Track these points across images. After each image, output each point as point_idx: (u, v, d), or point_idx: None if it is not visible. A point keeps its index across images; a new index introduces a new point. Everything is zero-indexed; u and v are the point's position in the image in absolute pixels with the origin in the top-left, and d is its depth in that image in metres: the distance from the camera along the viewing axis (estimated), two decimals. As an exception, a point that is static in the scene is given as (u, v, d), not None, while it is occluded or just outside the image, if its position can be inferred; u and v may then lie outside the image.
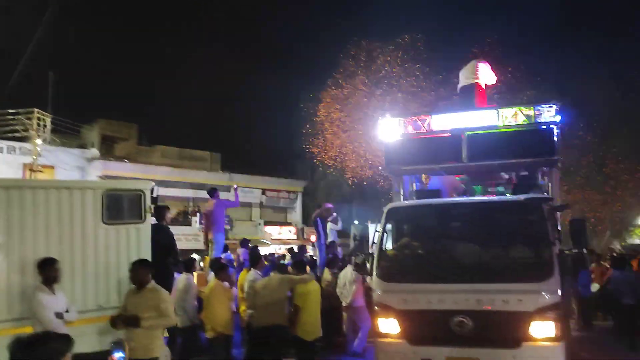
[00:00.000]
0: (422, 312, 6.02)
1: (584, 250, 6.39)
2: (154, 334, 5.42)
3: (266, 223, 32.11)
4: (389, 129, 7.81)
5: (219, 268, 7.75)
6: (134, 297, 5.52)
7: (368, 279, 8.31)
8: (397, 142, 7.77)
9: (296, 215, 34.48)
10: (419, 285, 6.22)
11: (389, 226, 6.77)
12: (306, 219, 31.36)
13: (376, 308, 6.43)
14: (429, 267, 6.44)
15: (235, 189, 11.55)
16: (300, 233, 32.64)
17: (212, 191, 11.17)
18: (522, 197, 6.43)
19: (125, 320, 5.38)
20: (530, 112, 7.16)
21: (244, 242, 11.52)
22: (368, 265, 6.79)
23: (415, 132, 7.69)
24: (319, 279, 9.61)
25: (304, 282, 7.49)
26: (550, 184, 7.59)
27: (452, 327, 5.82)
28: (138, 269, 5.57)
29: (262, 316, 7.33)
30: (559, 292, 5.75)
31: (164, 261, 7.45)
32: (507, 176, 8.61)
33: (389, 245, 6.80)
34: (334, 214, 12.69)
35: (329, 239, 12.18)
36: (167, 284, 7.70)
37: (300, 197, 34.60)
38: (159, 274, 6.84)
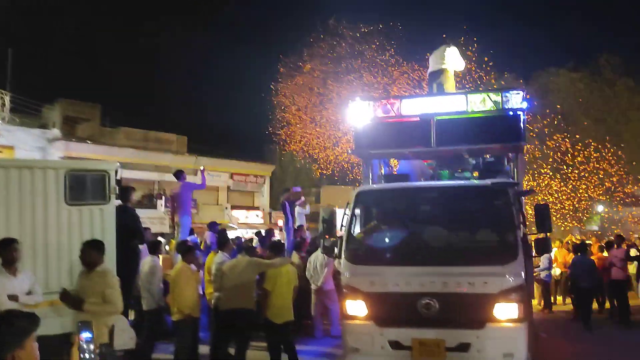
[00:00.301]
0: (389, 295, 6.08)
1: (547, 235, 6.52)
2: (100, 320, 5.26)
3: (233, 207, 31.85)
4: (358, 113, 7.80)
5: (186, 250, 7.63)
6: (83, 278, 5.37)
7: (336, 261, 8.35)
8: (366, 126, 7.76)
9: (264, 199, 34.28)
10: (387, 267, 6.27)
11: (357, 209, 6.79)
12: (274, 203, 31.21)
13: (344, 290, 6.47)
14: (397, 250, 6.50)
15: (202, 171, 11.42)
16: (267, 217, 32.50)
17: (179, 173, 10.99)
18: (488, 181, 6.54)
19: (69, 301, 5.26)
20: (498, 98, 7.25)
21: (211, 225, 11.40)
22: (336, 249, 6.80)
23: (384, 115, 7.69)
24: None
25: (273, 266, 7.40)
26: (515, 169, 7.73)
27: (418, 309, 5.88)
28: (87, 250, 5.38)
29: (229, 299, 7.27)
30: (523, 274, 5.89)
31: (129, 243, 7.33)
32: (474, 161, 8.73)
33: (357, 228, 6.82)
34: (302, 198, 12.70)
35: (297, 223, 12.19)
36: (133, 266, 7.61)
37: (268, 181, 34.42)
38: (124, 256, 6.74)
